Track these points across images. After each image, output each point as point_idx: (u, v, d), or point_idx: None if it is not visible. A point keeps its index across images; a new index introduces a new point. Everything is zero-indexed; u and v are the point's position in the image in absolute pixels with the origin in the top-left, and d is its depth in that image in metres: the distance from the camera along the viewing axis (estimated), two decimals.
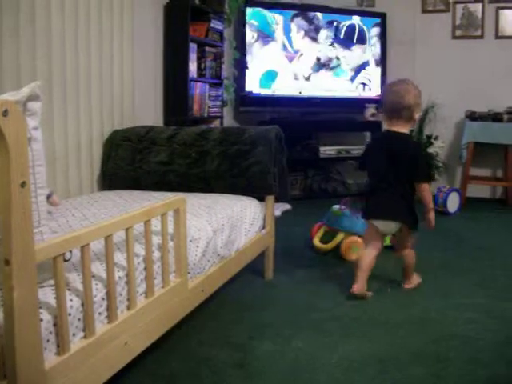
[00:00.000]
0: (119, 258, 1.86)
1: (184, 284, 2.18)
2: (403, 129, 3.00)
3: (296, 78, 5.88)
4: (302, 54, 5.88)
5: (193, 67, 4.63)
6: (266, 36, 5.67)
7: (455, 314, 2.81)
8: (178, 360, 2.27)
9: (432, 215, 3.06)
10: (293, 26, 5.81)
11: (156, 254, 2.01)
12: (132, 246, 1.78)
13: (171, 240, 2.12)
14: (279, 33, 5.75)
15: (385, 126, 3.12)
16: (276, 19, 5.73)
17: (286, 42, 5.80)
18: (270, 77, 5.70)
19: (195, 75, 4.69)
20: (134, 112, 3.76)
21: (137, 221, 1.81)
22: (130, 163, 3.27)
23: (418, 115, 3.03)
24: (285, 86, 5.82)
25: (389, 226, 3.04)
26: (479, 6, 6.12)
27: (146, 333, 1.91)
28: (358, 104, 6.10)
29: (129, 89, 3.69)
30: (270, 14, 5.70)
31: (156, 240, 2.05)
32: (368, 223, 3.10)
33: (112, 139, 3.40)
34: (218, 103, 5.12)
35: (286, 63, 5.81)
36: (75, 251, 1.58)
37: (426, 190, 3.01)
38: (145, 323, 1.89)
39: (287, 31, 5.79)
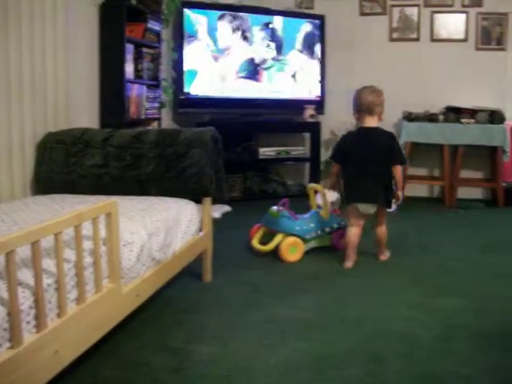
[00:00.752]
0: (49, 264, 1.80)
1: (118, 289, 2.14)
2: (375, 124, 3.62)
3: (233, 80, 5.87)
4: (237, 56, 5.87)
5: (129, 68, 4.56)
6: (192, 36, 5.63)
7: (391, 311, 2.85)
8: (113, 367, 2.23)
9: (399, 192, 3.65)
10: (231, 27, 5.80)
11: (88, 260, 1.97)
12: (61, 251, 1.74)
13: (104, 245, 2.08)
14: (206, 33, 5.73)
15: (363, 122, 3.63)
16: (215, 20, 5.71)
17: (228, 43, 5.78)
18: (191, 76, 5.66)
19: (132, 76, 4.63)
20: (68, 114, 3.68)
21: (66, 226, 1.76)
22: (64, 166, 3.20)
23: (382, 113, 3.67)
24: (222, 88, 5.80)
25: (368, 208, 3.58)
26: (415, 9, 6.26)
27: (78, 340, 1.87)
28: (297, 105, 6.13)
29: (63, 90, 3.61)
30: (207, 15, 5.67)
31: (88, 245, 2.00)
32: (350, 206, 3.63)
33: (45, 142, 3.32)
34: (156, 105, 5.07)
35: (224, 65, 5.79)
36: (1, 258, 1.53)
37: (400, 172, 3.62)
38: (77, 331, 1.84)
39: (220, 33, 5.77)
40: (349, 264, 3.60)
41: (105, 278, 2.08)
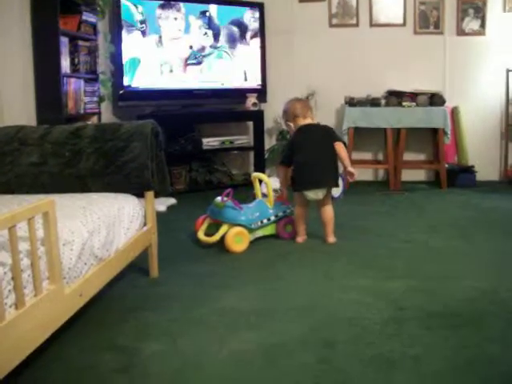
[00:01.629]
0: None
1: (59, 290, 2.06)
2: (312, 120, 3.97)
3: (173, 71, 5.79)
4: (176, 46, 5.79)
5: (65, 62, 4.46)
6: (129, 27, 5.52)
7: (340, 296, 2.85)
8: (58, 371, 2.16)
9: (351, 168, 3.80)
10: (169, 16, 5.71)
11: (25, 262, 1.89)
12: None
13: (43, 245, 2.00)
14: (158, 23, 5.64)
15: (300, 123, 3.92)
16: (153, 10, 5.62)
17: (167, 33, 5.69)
18: (130, 69, 5.57)
19: (68, 71, 4.52)
20: (1, 112, 3.56)
21: None
22: None
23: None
24: (162, 79, 5.73)
25: (318, 194, 3.76)
26: None
27: (18, 347, 1.79)
28: (239, 94, 6.09)
29: None
30: (146, 5, 5.58)
31: (26, 246, 1.92)
32: (298, 193, 3.83)
33: None
34: (95, 99, 4.97)
35: (163, 56, 5.71)
36: None
37: (343, 148, 3.83)
38: (16, 337, 1.76)
39: (158, 22, 5.68)
40: (301, 239, 3.87)
41: (45, 280, 2.00)
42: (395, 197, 5.52)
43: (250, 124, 6.28)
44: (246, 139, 6.18)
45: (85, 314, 2.59)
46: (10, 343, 1.73)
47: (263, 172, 5.57)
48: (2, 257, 1.78)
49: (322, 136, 3.87)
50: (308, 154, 3.77)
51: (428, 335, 2.37)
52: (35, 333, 1.90)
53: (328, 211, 3.85)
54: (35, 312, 1.89)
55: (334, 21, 6.37)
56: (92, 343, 2.38)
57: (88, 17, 4.81)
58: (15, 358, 1.78)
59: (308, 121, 3.93)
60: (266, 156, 6.18)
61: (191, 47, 5.87)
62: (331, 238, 3.86)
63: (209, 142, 5.88)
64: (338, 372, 2.09)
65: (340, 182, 5.33)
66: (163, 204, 4.86)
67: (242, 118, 6.27)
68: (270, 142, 6.39)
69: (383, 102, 5.98)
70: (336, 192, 5.31)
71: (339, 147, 3.82)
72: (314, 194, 3.76)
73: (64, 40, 4.43)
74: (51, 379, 2.11)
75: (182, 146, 5.79)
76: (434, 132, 6.01)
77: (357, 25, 6.35)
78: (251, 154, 6.39)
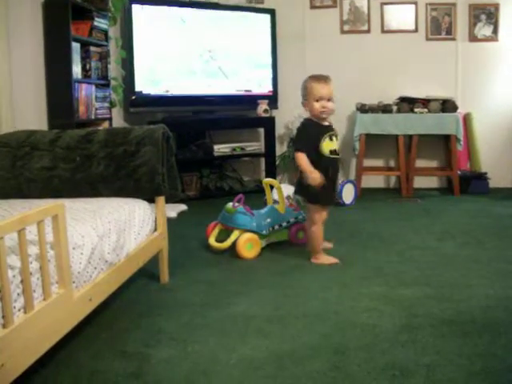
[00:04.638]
0: None
1: (68, 294, 2.05)
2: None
3: (186, 76, 5.79)
4: (189, 52, 5.79)
5: (77, 68, 4.46)
6: (141, 33, 5.52)
7: (353, 303, 2.82)
8: (68, 376, 2.13)
9: (310, 176, 3.28)
10: (181, 23, 5.72)
11: (35, 265, 1.88)
12: (4, 257, 1.64)
13: (52, 249, 1.99)
14: (167, 30, 5.64)
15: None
16: (165, 16, 5.62)
17: (178, 39, 5.70)
18: (142, 75, 5.56)
19: (80, 76, 4.52)
20: (13, 116, 3.57)
21: (8, 230, 1.66)
22: (9, 171, 3.08)
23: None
24: (175, 85, 5.72)
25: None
26: (365, 1, 6.29)
27: (27, 351, 1.77)
28: (251, 101, 6.09)
29: (6, 92, 3.50)
30: (157, 10, 5.58)
31: (35, 250, 1.91)
32: (321, 208, 3.48)
33: None
34: (106, 105, 4.96)
35: (175, 61, 5.71)
36: None
37: (297, 158, 3.37)
38: (25, 340, 1.75)
39: (175, 28, 5.69)
40: (327, 260, 3.52)
41: (54, 284, 1.99)
42: (407, 204, 5.48)
43: (261, 130, 6.26)
44: (257, 146, 6.16)
45: (95, 318, 2.58)
46: (19, 347, 1.71)
47: (274, 178, 5.55)
48: (11, 260, 1.76)
49: None
50: (332, 163, 3.43)
51: (442, 343, 2.33)
52: (44, 337, 1.88)
53: (310, 229, 3.60)
54: (44, 316, 1.87)
55: (346, 27, 6.36)
56: (102, 348, 2.36)
57: (99, 23, 4.81)
58: (24, 362, 1.76)
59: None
60: (278, 162, 6.16)
61: (202, 53, 5.86)
62: (313, 259, 3.55)
63: (220, 149, 5.87)
64: (350, 379, 2.05)
65: (352, 188, 5.33)
66: (174, 210, 4.84)
67: (254, 124, 6.26)
68: (281, 149, 6.37)
69: (395, 108, 5.95)
70: (348, 199, 5.29)
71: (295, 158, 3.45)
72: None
73: (75, 46, 4.44)
74: None
75: (193, 152, 5.78)
76: (447, 138, 5.97)
77: (368, 31, 6.34)
78: (262, 161, 6.37)
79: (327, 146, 3.37)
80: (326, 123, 3.44)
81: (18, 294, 1.76)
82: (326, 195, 3.41)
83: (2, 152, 3.12)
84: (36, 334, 1.82)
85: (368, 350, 2.29)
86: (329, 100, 3.36)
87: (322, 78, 3.41)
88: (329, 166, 3.39)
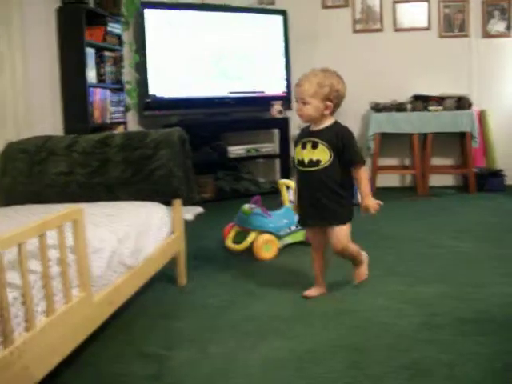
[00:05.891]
0: (14, 276, 1.73)
1: (88, 298, 2.07)
2: None
3: (200, 79, 5.81)
4: (201, 55, 5.81)
5: (91, 73, 4.49)
6: (154, 37, 5.54)
7: (370, 302, 2.82)
8: (89, 379, 2.16)
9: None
10: (193, 25, 5.73)
11: (55, 269, 1.89)
12: (26, 262, 1.66)
13: (72, 253, 2.01)
14: (180, 33, 5.66)
15: (333, 119, 2.86)
16: (177, 19, 5.65)
17: (191, 42, 5.71)
18: (155, 78, 5.58)
19: (94, 81, 4.55)
20: (30, 122, 3.60)
21: (30, 235, 1.69)
22: (27, 176, 3.11)
23: None
24: (189, 88, 5.74)
25: None
26: (377, 0, 6.24)
27: (50, 354, 1.79)
28: (264, 102, 6.09)
29: (22, 98, 3.52)
30: (169, 14, 5.61)
31: (56, 254, 1.93)
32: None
33: (7, 152, 3.22)
34: (121, 109, 4.99)
35: (188, 64, 5.73)
36: None
37: None
38: (47, 344, 1.77)
39: (188, 31, 5.70)
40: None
41: (75, 287, 2.01)
42: (423, 202, 5.47)
43: (276, 131, 6.27)
44: (271, 147, 6.17)
45: (114, 321, 2.59)
46: (42, 350, 1.73)
47: (289, 179, 5.54)
48: (32, 265, 1.78)
49: None
50: (305, 176, 2.89)
51: (462, 342, 2.32)
52: (65, 340, 1.91)
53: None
54: (65, 319, 1.89)
55: (358, 26, 6.35)
56: (122, 351, 2.38)
57: (113, 28, 4.85)
58: (46, 365, 1.78)
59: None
60: (292, 163, 6.16)
61: (215, 55, 5.88)
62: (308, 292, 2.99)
63: (234, 151, 5.88)
64: (371, 379, 2.06)
65: None
66: (190, 213, 4.85)
67: (268, 125, 6.27)
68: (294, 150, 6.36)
69: (409, 106, 5.93)
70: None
71: None
72: None
73: (90, 51, 4.47)
74: None
75: (207, 154, 5.79)
76: (462, 136, 5.94)
77: (381, 30, 6.32)
78: (277, 162, 6.38)
79: (298, 154, 2.88)
80: (317, 128, 2.83)
81: (40, 298, 1.78)
82: (301, 215, 2.98)
83: (19, 158, 3.15)
84: (58, 337, 1.84)
85: (387, 348, 2.29)
86: (303, 103, 2.79)
87: (301, 77, 2.89)
88: (302, 179, 2.90)
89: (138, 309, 2.84)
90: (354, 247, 2.93)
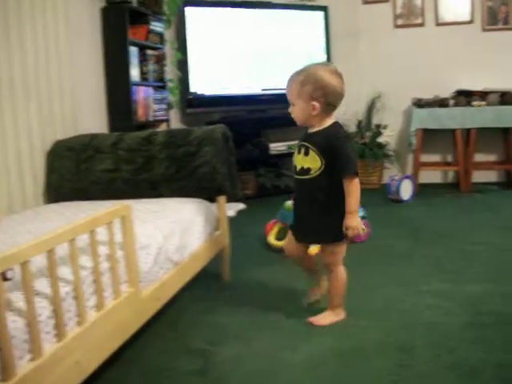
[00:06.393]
0: (65, 272, 1.77)
1: (137, 293, 2.10)
2: None
3: (241, 76, 5.82)
4: (243, 52, 5.82)
5: (135, 71, 4.54)
6: (195, 35, 5.57)
7: (416, 301, 2.80)
8: (136, 373, 2.19)
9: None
10: (234, 23, 5.75)
11: (105, 265, 1.93)
12: (77, 258, 1.70)
13: (120, 249, 2.04)
14: (221, 30, 5.69)
15: (330, 121, 2.52)
16: (218, 17, 5.67)
17: (232, 39, 5.74)
18: (197, 76, 5.60)
19: (138, 79, 4.61)
20: (76, 120, 3.65)
21: (80, 232, 1.73)
22: (74, 173, 3.17)
23: None
24: (230, 85, 5.76)
25: None
26: None
27: (100, 348, 1.83)
28: None
29: (69, 97, 3.58)
30: (210, 12, 5.64)
31: (104, 250, 1.96)
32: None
33: (54, 150, 3.29)
34: (164, 106, 5.04)
35: (230, 61, 5.75)
36: (17, 269, 1.50)
37: None
38: (97, 338, 1.81)
39: (229, 28, 5.73)
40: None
41: (123, 283, 2.04)
42: (466, 198, 5.39)
43: None
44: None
45: (161, 316, 2.62)
46: (92, 345, 1.77)
47: None
48: (82, 261, 1.82)
49: None
50: (298, 184, 2.60)
51: (510, 341, 2.29)
52: (114, 335, 1.94)
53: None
54: (114, 314, 1.93)
55: (399, 21, 6.28)
56: (168, 346, 2.41)
57: (155, 26, 4.89)
58: (96, 359, 1.82)
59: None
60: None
61: (256, 52, 5.88)
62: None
63: (275, 147, 5.88)
64: (417, 378, 2.04)
65: (410, 183, 5.27)
66: (232, 209, 4.88)
67: None
68: None
69: (452, 102, 5.83)
70: (406, 195, 5.23)
71: None
72: None
73: (133, 50, 4.52)
74: (129, 381, 2.14)
75: (249, 151, 5.80)
76: (506, 131, 5.84)
77: (422, 24, 6.23)
78: None
79: (294, 159, 2.58)
80: (311, 130, 2.54)
81: (91, 294, 1.82)
82: (294, 224, 2.67)
83: (66, 156, 3.22)
84: (107, 332, 1.88)
85: (434, 347, 2.27)
86: (293, 104, 2.56)
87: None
88: (295, 188, 2.63)
89: (183, 304, 2.87)
90: (341, 282, 2.60)
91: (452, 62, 6.12)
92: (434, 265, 3.34)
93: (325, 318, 2.57)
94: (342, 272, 2.60)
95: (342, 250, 2.56)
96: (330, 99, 2.44)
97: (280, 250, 3.68)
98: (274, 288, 3.08)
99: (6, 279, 1.46)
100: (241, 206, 5.11)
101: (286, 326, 2.57)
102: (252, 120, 5.83)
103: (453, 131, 5.79)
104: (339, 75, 2.49)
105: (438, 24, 6.19)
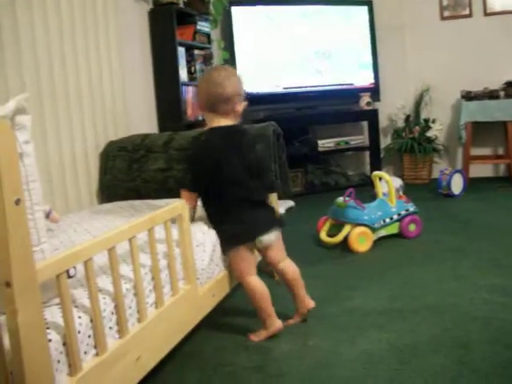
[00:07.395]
0: (126, 269, 1.80)
1: (194, 290, 2.13)
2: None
3: (287, 73, 5.82)
4: (288, 49, 5.82)
5: (183, 71, 4.58)
6: (241, 34, 5.59)
7: (471, 295, 2.75)
8: (193, 369, 2.21)
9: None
10: (279, 20, 5.76)
11: (163, 263, 1.96)
12: (137, 256, 1.73)
13: (177, 247, 2.07)
14: (266, 28, 5.70)
15: (214, 123, 2.60)
16: (263, 15, 5.69)
17: (277, 37, 5.74)
18: (244, 74, 5.61)
19: (186, 79, 4.65)
20: (127, 121, 3.71)
21: (139, 230, 1.75)
22: (127, 173, 3.22)
23: (241, 106, 2.67)
24: (276, 82, 5.77)
25: (270, 237, 2.52)
26: None
27: (159, 345, 1.86)
28: (352, 94, 6.05)
29: (120, 98, 3.64)
30: (256, 10, 5.65)
31: (161, 248, 1.99)
32: (235, 250, 2.39)
33: (108, 150, 3.35)
34: None
35: (275, 58, 5.76)
36: (80, 266, 1.53)
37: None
38: (157, 335, 1.83)
39: (274, 26, 5.73)
40: (274, 327, 2.43)
41: (180, 280, 2.07)
42: None
43: (365, 123, 6.21)
44: (361, 139, 6.12)
45: (217, 313, 2.64)
46: (152, 341, 1.80)
47: (379, 171, 5.49)
48: (142, 259, 1.85)
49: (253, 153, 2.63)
50: (244, 185, 2.43)
51: None
52: (173, 331, 1.97)
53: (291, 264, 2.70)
54: (173, 311, 1.96)
55: (446, 13, 6.18)
56: (225, 342, 2.42)
57: (202, 26, 4.93)
58: (156, 355, 1.85)
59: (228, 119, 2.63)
60: (382, 155, 6.10)
61: (302, 49, 5.88)
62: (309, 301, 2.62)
63: (324, 144, 5.87)
64: (477, 374, 2.00)
65: (460, 178, 5.19)
66: (282, 206, 4.88)
67: (356, 117, 6.21)
68: (385, 141, 6.30)
69: (502, 93, 5.72)
70: (457, 189, 5.15)
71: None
72: (268, 238, 2.51)
73: (181, 50, 4.57)
74: (187, 376, 2.16)
75: (297, 148, 5.81)
76: None
77: (470, 15, 6.12)
78: (366, 154, 6.32)
79: None
80: None
81: (150, 291, 1.85)
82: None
83: (120, 156, 3.27)
84: (166, 329, 1.90)
85: (491, 343, 2.22)
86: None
87: None
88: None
89: (237, 301, 2.87)
90: (251, 295, 2.44)
91: (501, 52, 6.00)
92: (489, 260, 3.28)
93: (260, 335, 2.44)
94: (248, 284, 2.43)
95: (232, 261, 2.42)
96: (208, 104, 2.58)
97: (331, 247, 3.70)
98: (327, 284, 3.08)
99: (68, 277, 1.49)
100: (290, 203, 5.11)
101: (340, 322, 2.56)
102: (299, 117, 5.84)
103: (504, 123, 5.69)
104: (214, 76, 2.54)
105: (487, 14, 6.07)
